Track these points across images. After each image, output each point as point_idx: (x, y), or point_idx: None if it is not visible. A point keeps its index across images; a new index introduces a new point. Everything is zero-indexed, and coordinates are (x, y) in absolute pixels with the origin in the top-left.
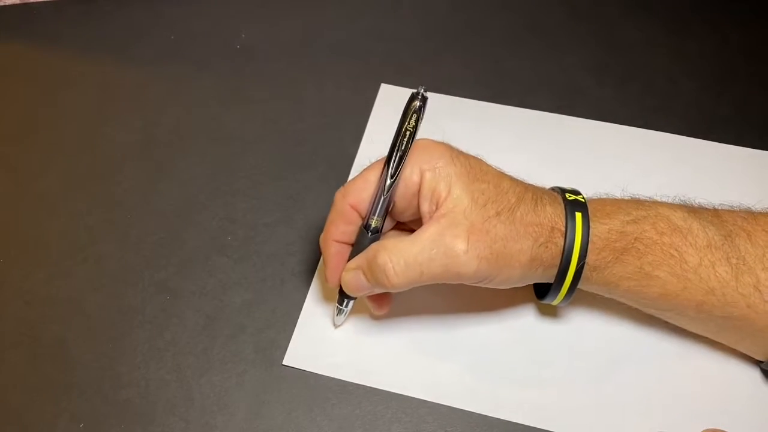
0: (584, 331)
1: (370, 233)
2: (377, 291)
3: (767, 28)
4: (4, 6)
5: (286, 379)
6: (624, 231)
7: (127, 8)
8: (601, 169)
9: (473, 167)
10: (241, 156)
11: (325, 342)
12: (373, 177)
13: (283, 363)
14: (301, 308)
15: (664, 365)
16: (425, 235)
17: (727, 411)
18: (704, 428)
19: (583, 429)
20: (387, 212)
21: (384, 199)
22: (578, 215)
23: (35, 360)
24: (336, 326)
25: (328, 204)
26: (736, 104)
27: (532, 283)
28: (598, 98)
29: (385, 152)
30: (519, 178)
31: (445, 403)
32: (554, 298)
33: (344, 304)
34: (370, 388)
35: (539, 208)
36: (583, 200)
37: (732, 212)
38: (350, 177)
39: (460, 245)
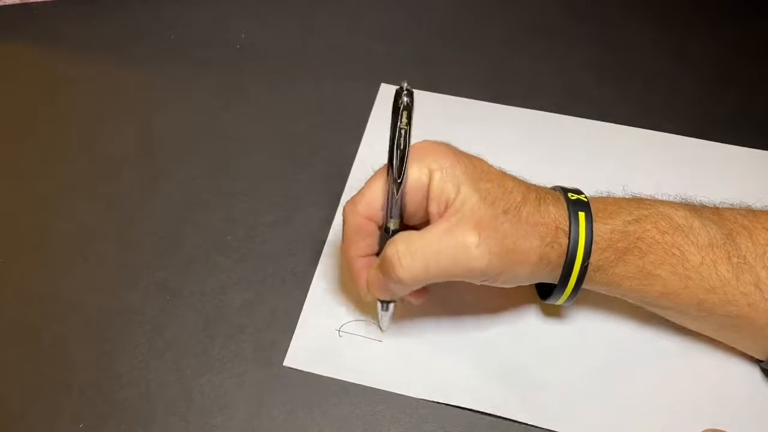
0: (585, 330)
1: (391, 235)
2: (394, 288)
3: (767, 28)
4: (4, 6)
5: (286, 380)
6: (626, 231)
7: (127, 8)
8: (602, 169)
9: (477, 167)
10: (241, 156)
11: (326, 342)
12: (380, 184)
13: (284, 365)
14: (301, 308)
15: (665, 365)
16: (435, 229)
17: (727, 410)
18: (704, 428)
19: (584, 428)
20: (401, 212)
21: (396, 200)
22: (581, 215)
23: (35, 360)
24: (382, 330)
25: (329, 204)
26: (736, 104)
27: (538, 281)
28: (598, 98)
29: (386, 152)
30: (521, 177)
31: (445, 403)
32: (558, 298)
33: (384, 307)
34: (370, 388)
35: (543, 207)
36: (585, 199)
37: (733, 210)
38: (350, 177)
39: (472, 239)
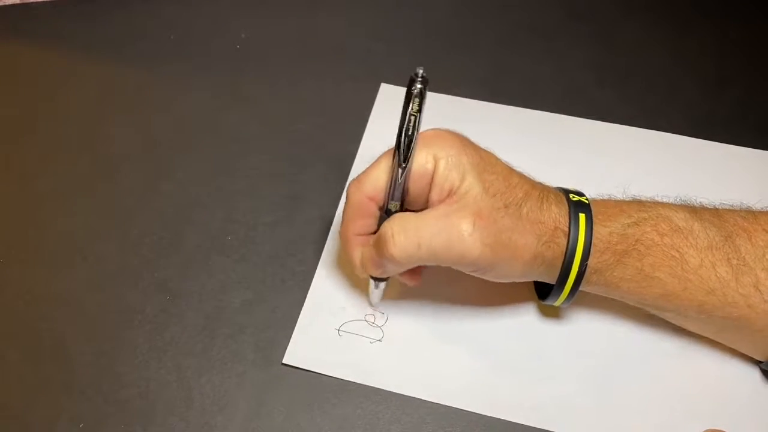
0: (584, 331)
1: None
2: (386, 265)
3: (767, 28)
4: (4, 6)
5: (286, 379)
6: (625, 233)
7: (127, 8)
8: (602, 169)
9: (484, 158)
10: (241, 156)
11: (325, 341)
12: (386, 165)
13: (283, 362)
14: (301, 308)
15: (665, 365)
16: (434, 212)
17: (727, 411)
18: (704, 428)
19: (583, 429)
20: (403, 196)
21: (399, 184)
22: (582, 216)
23: (35, 360)
24: (372, 305)
25: (329, 204)
26: (736, 104)
27: (531, 280)
28: (598, 98)
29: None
30: (528, 175)
31: (445, 403)
32: (556, 299)
33: (375, 285)
34: (370, 387)
35: (545, 206)
36: (586, 201)
37: (732, 211)
38: (350, 177)
39: (466, 227)
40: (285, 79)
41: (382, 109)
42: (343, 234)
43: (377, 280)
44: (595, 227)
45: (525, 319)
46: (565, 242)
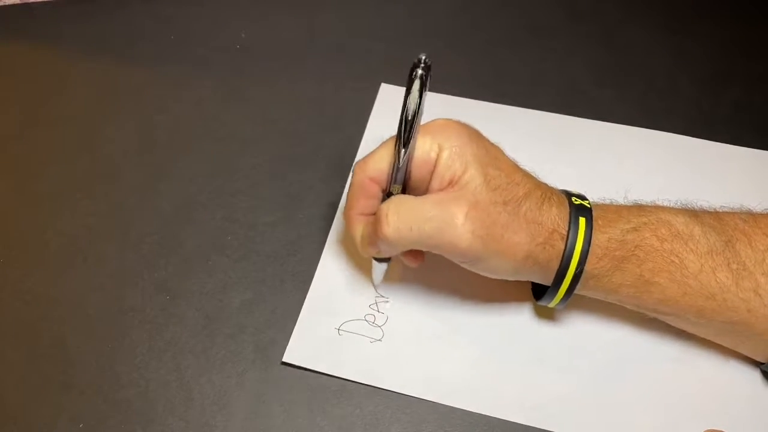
0: (585, 331)
1: None
2: (381, 245)
3: (767, 28)
4: (4, 6)
5: (286, 379)
6: (624, 240)
7: (127, 8)
8: (601, 169)
9: (490, 152)
10: (241, 156)
11: (325, 341)
12: (390, 149)
13: (283, 360)
14: (300, 308)
15: (665, 365)
16: (431, 197)
17: (727, 412)
18: (704, 429)
19: (583, 429)
20: (405, 181)
21: (400, 168)
22: (582, 220)
23: (35, 360)
24: (374, 286)
25: (329, 204)
26: (736, 104)
27: (525, 279)
28: (598, 98)
29: None
30: (533, 173)
31: (445, 403)
32: (550, 301)
33: (377, 265)
34: (370, 387)
35: (545, 207)
36: (588, 206)
37: (733, 214)
38: (350, 177)
39: (460, 215)
40: (285, 79)
41: (382, 109)
42: (346, 213)
43: (379, 260)
44: (593, 233)
45: (526, 319)
46: (561, 245)
